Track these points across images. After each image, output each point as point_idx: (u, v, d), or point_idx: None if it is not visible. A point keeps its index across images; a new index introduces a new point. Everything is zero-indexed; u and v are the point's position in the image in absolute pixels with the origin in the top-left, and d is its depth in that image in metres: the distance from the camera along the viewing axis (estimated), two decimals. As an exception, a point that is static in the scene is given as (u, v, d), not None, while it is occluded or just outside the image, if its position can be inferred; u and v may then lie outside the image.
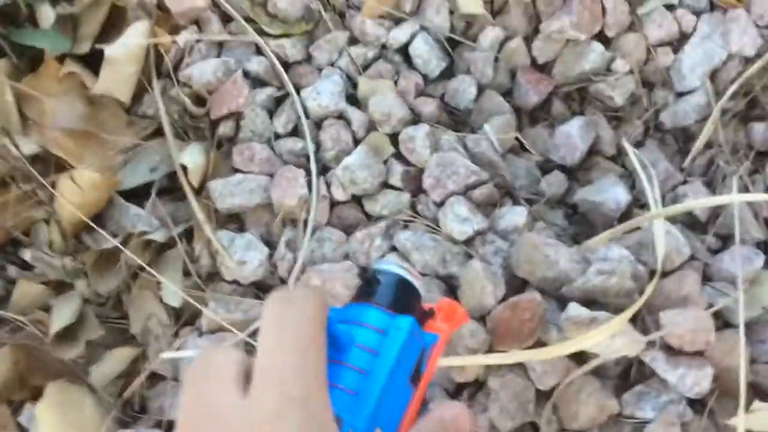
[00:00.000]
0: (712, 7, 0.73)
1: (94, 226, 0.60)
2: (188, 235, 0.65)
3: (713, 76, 0.71)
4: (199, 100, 0.70)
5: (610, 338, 0.55)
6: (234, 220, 0.67)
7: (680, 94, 0.72)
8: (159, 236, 0.62)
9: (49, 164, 0.63)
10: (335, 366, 0.31)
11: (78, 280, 0.59)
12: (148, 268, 0.59)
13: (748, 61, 0.70)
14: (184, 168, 0.65)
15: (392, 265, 0.36)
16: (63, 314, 0.57)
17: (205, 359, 0.29)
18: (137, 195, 0.66)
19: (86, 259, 0.60)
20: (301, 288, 0.30)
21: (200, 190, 0.66)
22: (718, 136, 0.69)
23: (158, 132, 0.69)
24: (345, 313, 0.34)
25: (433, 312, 0.37)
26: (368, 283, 0.35)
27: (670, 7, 0.72)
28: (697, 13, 0.72)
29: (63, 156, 0.63)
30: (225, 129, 0.68)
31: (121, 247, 0.59)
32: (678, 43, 0.72)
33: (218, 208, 0.65)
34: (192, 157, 0.65)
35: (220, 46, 0.75)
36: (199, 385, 0.27)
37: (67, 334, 0.58)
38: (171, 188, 0.68)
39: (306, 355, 0.27)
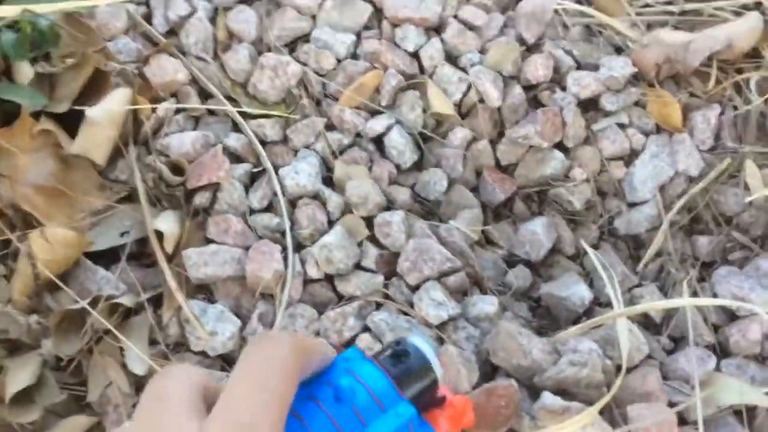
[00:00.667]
0: (659, 129, 0.80)
1: (62, 285, 0.57)
2: (155, 303, 0.63)
3: (662, 190, 0.77)
4: (175, 170, 0.70)
5: (581, 429, 0.56)
6: (202, 291, 0.66)
7: (632, 204, 0.77)
8: (127, 300, 0.60)
9: (17, 220, 0.61)
10: (325, 417, 0.31)
11: (43, 339, 0.56)
12: (114, 331, 0.57)
13: (692, 180, 0.77)
14: (159, 234, 0.64)
15: (426, 346, 0.35)
16: (21, 376, 0.53)
17: (161, 383, 0.28)
18: (103, 258, 0.64)
19: (51, 320, 0.57)
20: (283, 336, 0.31)
21: (172, 258, 0.65)
22: (668, 245, 0.74)
23: (129, 198, 0.68)
24: (362, 364, 0.33)
25: (443, 402, 0.36)
26: (395, 354, 0.35)
27: (622, 126, 0.79)
28: (646, 134, 0.79)
29: (32, 212, 0.60)
30: (201, 199, 0.68)
31: (89, 308, 0.56)
32: (629, 158, 0.79)
33: (191, 276, 0.64)
34: (167, 224, 0.64)
35: (197, 120, 0.76)
36: (151, 409, 0.27)
37: (23, 398, 0.53)
38: (138, 254, 0.66)
39: (268, 396, 0.27)
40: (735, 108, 0.80)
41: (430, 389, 0.35)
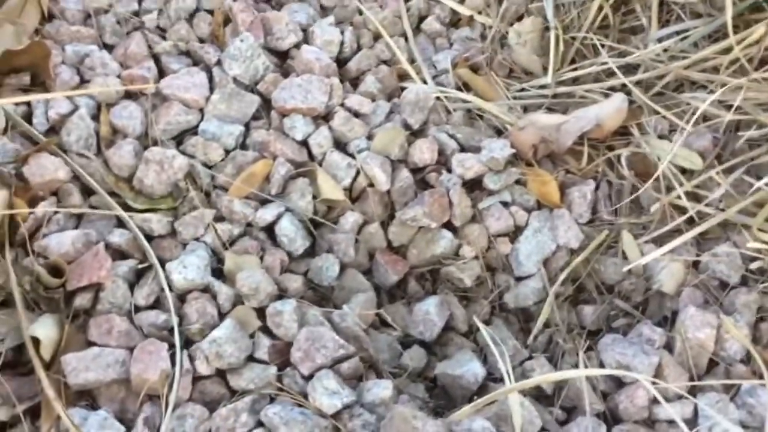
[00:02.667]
0: (539, 206, 0.83)
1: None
2: (33, 414, 0.60)
3: (546, 263, 0.80)
4: (54, 271, 0.67)
5: None
6: (85, 397, 0.63)
7: (519, 279, 0.80)
8: (1, 414, 0.56)
9: None
10: None
11: None
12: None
13: (573, 252, 0.80)
14: (36, 341, 0.61)
15: None
16: None
17: None
18: (-27, 370, 0.61)
19: None
20: None
21: (50, 365, 0.62)
22: (555, 316, 0.76)
23: (5, 303, 0.65)
24: None
25: None
26: None
27: (505, 204, 0.82)
28: (528, 210, 0.82)
29: None
30: (82, 301, 0.66)
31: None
32: (514, 234, 0.82)
33: (71, 383, 0.61)
34: (45, 330, 0.61)
35: (79, 218, 0.74)
36: None
37: None
38: (14, 363, 0.63)
39: None
40: (609, 183, 0.85)
41: None
